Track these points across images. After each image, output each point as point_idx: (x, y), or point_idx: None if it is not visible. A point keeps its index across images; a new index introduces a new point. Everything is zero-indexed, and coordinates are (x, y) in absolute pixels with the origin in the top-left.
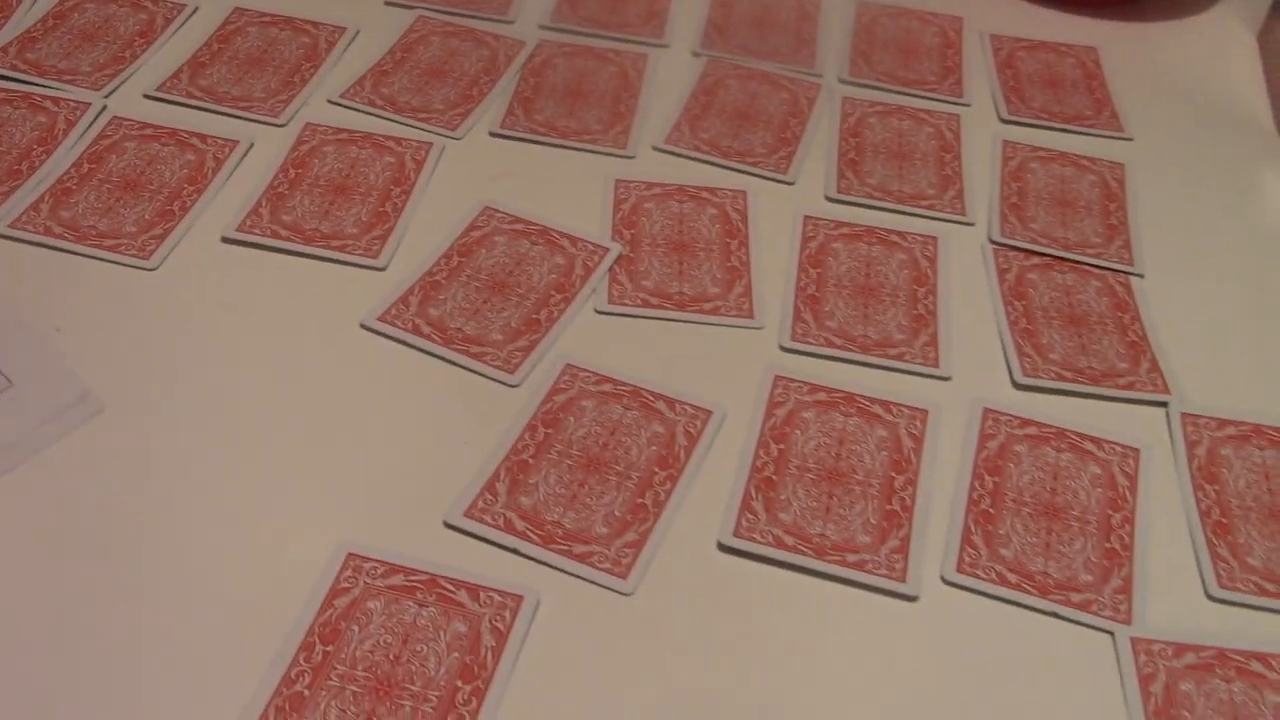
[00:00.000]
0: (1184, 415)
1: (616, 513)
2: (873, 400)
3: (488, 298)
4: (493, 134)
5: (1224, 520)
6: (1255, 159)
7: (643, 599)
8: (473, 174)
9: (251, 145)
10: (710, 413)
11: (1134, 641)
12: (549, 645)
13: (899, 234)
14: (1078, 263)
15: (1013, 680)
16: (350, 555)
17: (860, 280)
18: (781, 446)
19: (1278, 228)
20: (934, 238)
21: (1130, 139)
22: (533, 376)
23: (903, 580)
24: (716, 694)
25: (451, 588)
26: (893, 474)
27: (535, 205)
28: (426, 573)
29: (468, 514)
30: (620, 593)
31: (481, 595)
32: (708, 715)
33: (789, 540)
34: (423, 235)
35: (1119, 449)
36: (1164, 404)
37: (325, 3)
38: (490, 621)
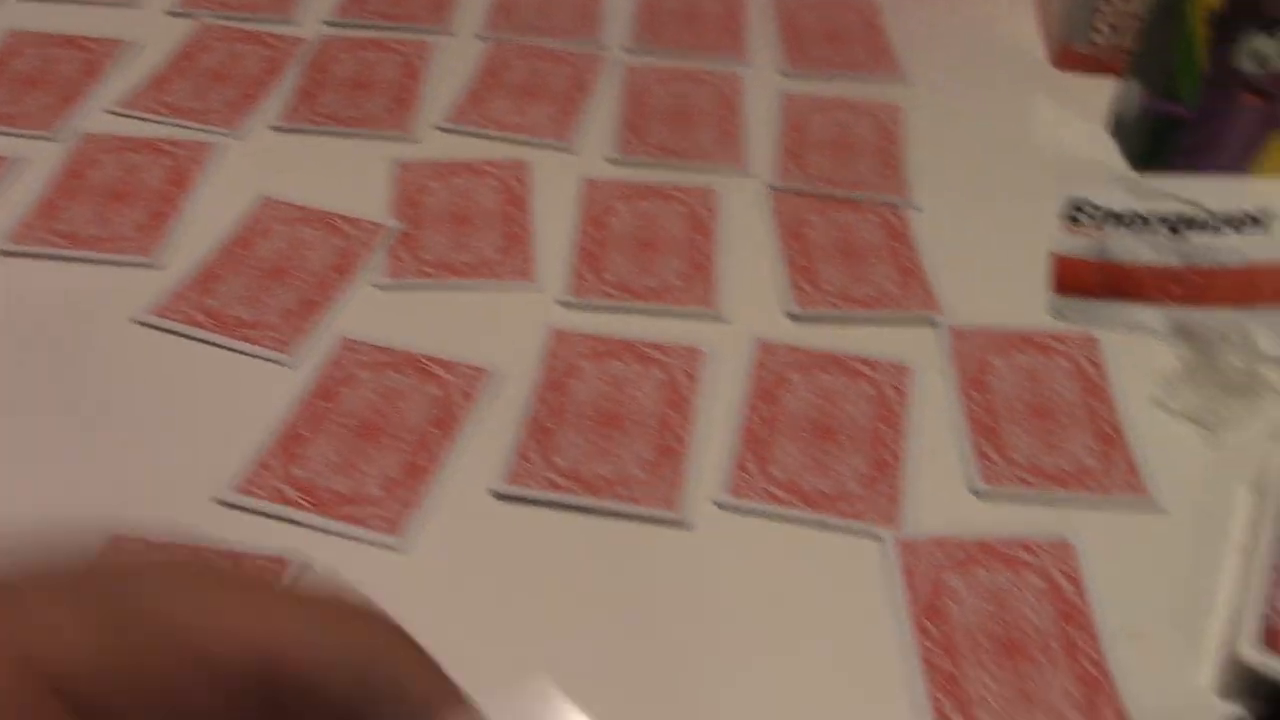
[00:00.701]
0: (952, 329)
1: (391, 474)
2: (648, 345)
3: (266, 284)
4: (274, 128)
5: (990, 423)
6: (1027, 88)
7: (418, 554)
8: (253, 169)
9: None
10: (486, 371)
11: (900, 543)
12: None
13: (679, 189)
14: (854, 200)
15: (787, 593)
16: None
17: (640, 235)
18: (559, 396)
19: (1047, 149)
20: (712, 190)
21: (906, 81)
22: (310, 355)
23: (675, 508)
24: (496, 636)
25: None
26: (668, 412)
27: (317, 194)
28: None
29: (238, 488)
30: (394, 549)
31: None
32: (486, 656)
33: (563, 482)
34: (202, 232)
35: (890, 368)
36: (933, 322)
37: (104, 18)
38: None
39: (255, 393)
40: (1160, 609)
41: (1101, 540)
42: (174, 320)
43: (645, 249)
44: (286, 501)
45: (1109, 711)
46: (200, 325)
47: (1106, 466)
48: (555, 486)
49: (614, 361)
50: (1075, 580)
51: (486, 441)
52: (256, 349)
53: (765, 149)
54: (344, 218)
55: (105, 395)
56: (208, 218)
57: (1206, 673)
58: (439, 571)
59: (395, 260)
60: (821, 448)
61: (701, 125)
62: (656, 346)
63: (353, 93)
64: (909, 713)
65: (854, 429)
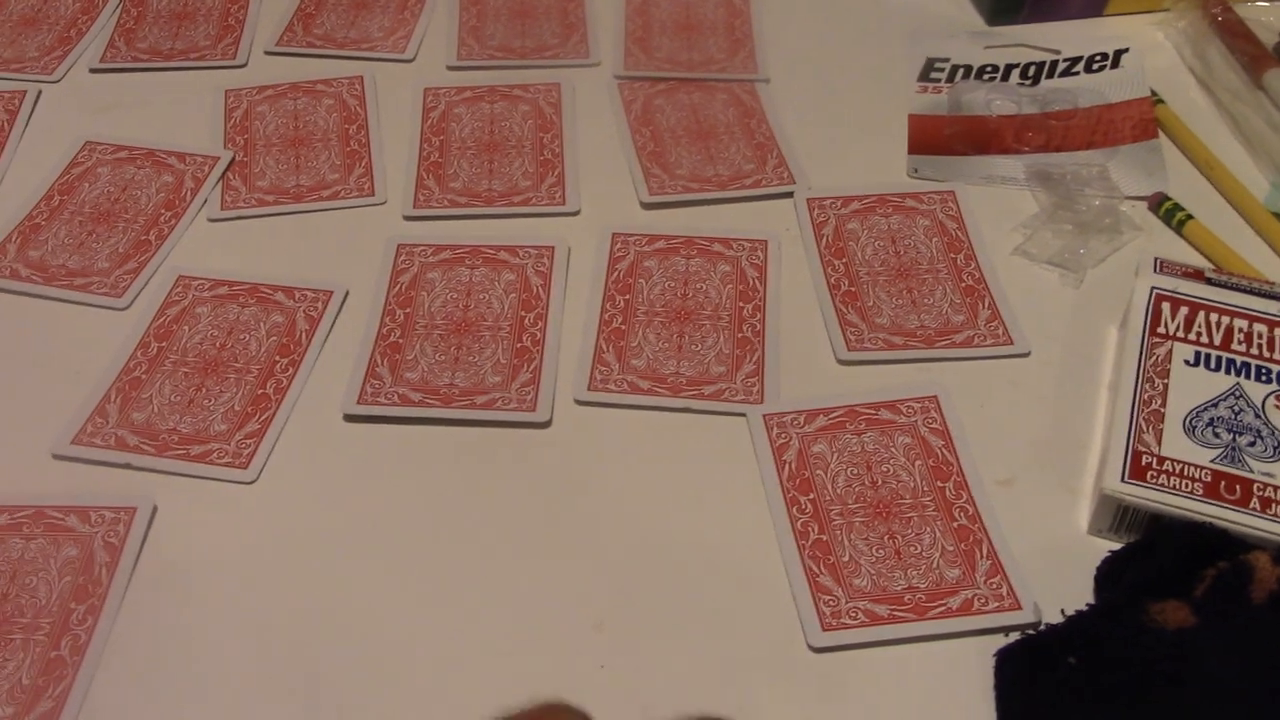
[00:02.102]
0: (809, 200)
1: (236, 407)
2: (498, 248)
3: (92, 229)
4: (93, 70)
5: (852, 289)
6: None
7: (267, 485)
8: (75, 114)
9: None
10: (330, 293)
11: (765, 418)
12: (173, 550)
13: (522, 88)
14: (703, 80)
15: (652, 480)
16: None
17: (484, 139)
18: (407, 310)
19: (892, 13)
20: (556, 85)
21: None
22: (144, 295)
23: (533, 410)
24: (351, 561)
25: (60, 515)
26: (523, 313)
27: (144, 132)
28: (33, 506)
29: (76, 440)
30: (242, 483)
31: (92, 515)
32: (343, 581)
33: (415, 397)
34: (21, 184)
35: (747, 244)
36: (790, 194)
37: None
38: (103, 539)
39: (89, 342)
40: (1031, 455)
41: (971, 393)
42: None
43: (491, 152)
44: (126, 448)
45: (985, 562)
46: (23, 279)
47: (971, 319)
48: (407, 401)
49: (462, 268)
50: (944, 434)
51: (336, 364)
52: (86, 295)
53: (610, 38)
54: (173, 153)
55: None
56: (26, 169)
57: (1082, 515)
58: (293, 500)
59: (230, 190)
60: (681, 332)
61: (543, 20)
62: (505, 248)
63: (175, 24)
64: (784, 585)
65: (714, 310)
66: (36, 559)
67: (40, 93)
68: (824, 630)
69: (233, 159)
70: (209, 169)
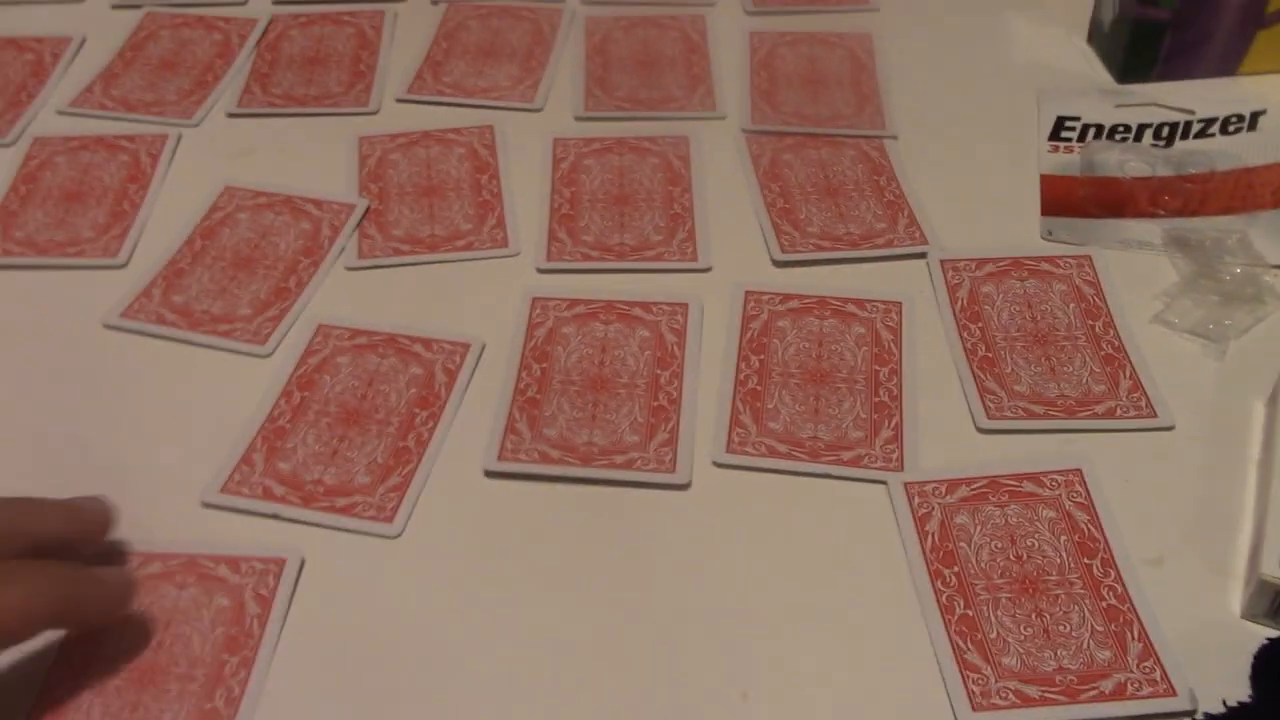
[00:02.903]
0: (943, 261)
1: (379, 460)
2: (631, 304)
3: (234, 275)
4: (230, 115)
5: (989, 355)
6: (1000, 4)
7: (411, 539)
8: (213, 158)
9: None
10: (468, 345)
11: (907, 486)
12: (319, 602)
13: (650, 140)
14: (831, 135)
15: (795, 548)
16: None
17: (614, 191)
18: (544, 365)
19: (1025, 67)
20: (685, 138)
21: (876, 9)
22: (286, 343)
23: (672, 471)
24: (500, 617)
25: (211, 564)
26: (658, 371)
27: (280, 177)
28: (185, 554)
29: (224, 489)
30: (387, 536)
31: (242, 566)
32: (492, 638)
33: (554, 454)
34: (164, 227)
35: (881, 306)
36: (923, 254)
37: (47, 15)
38: (253, 590)
39: (233, 388)
40: (1179, 533)
41: (1113, 466)
42: (143, 321)
43: (621, 205)
44: (274, 498)
45: (1136, 644)
46: (169, 324)
47: (1112, 389)
48: (547, 459)
49: (596, 324)
50: (1089, 509)
51: (474, 418)
52: (229, 342)
53: (735, 91)
54: (310, 200)
55: (79, 404)
56: (170, 212)
57: (1233, 597)
58: (436, 555)
59: (366, 239)
60: (817, 394)
61: (668, 72)
62: (639, 304)
63: (307, 70)
64: (930, 660)
65: (849, 372)
66: (189, 609)
67: (180, 136)
68: (974, 710)
69: (368, 207)
70: (345, 217)
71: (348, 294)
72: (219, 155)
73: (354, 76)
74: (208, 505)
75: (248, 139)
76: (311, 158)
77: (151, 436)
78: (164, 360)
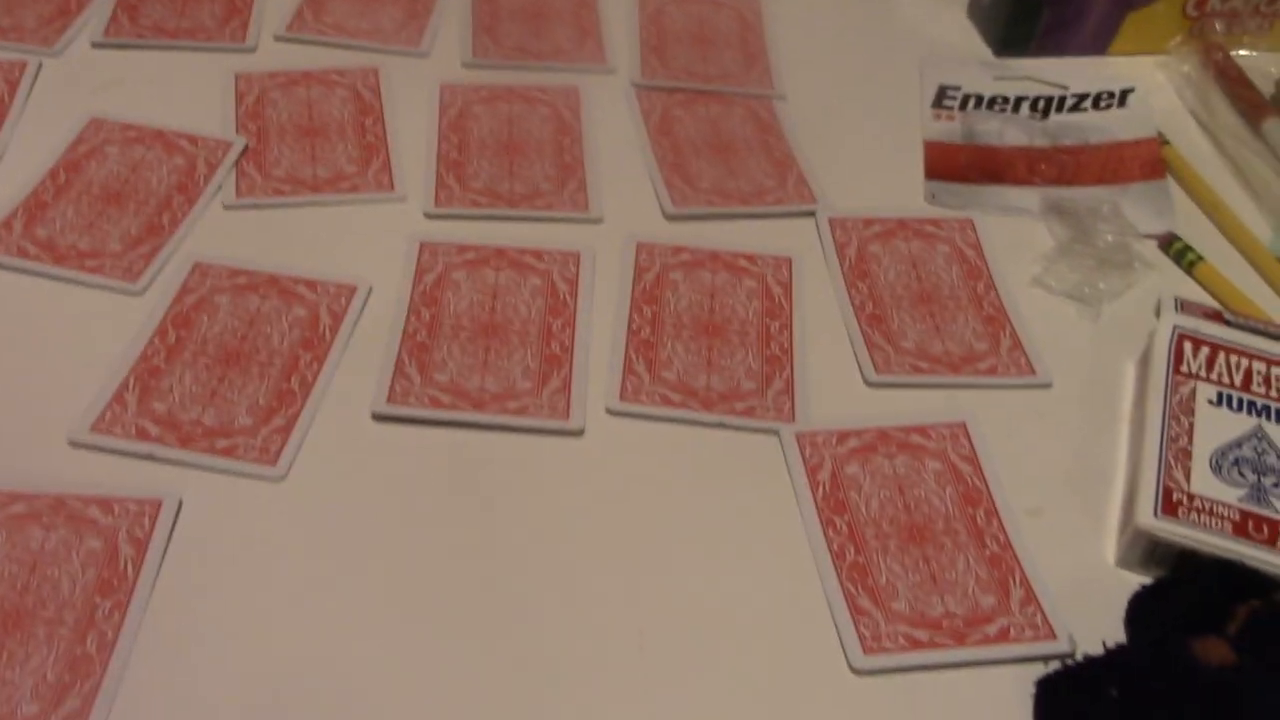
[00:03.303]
0: (831, 220)
1: (261, 401)
2: (523, 251)
3: (102, 210)
4: (96, 45)
5: (877, 312)
6: None
7: (296, 480)
8: (76, 89)
9: None
10: (354, 288)
11: (798, 436)
12: (199, 544)
13: (539, 89)
14: (720, 93)
15: (688, 493)
16: None
17: (504, 139)
18: (433, 311)
19: (903, 39)
20: (575, 89)
21: None
22: (159, 281)
23: (566, 418)
24: (385, 561)
25: (81, 505)
26: (550, 319)
27: (150, 111)
28: (52, 495)
29: (94, 428)
30: (270, 479)
31: (116, 507)
32: (375, 583)
33: (445, 399)
34: (24, 157)
35: (771, 261)
36: (812, 213)
37: None
38: (127, 531)
39: (103, 326)
40: (1057, 485)
41: (996, 420)
42: (2, 254)
43: (510, 153)
44: (148, 438)
45: (1018, 590)
46: (32, 258)
47: (994, 347)
48: (438, 404)
49: (487, 270)
50: (973, 461)
51: (361, 362)
52: (98, 279)
53: (625, 45)
54: (184, 135)
55: None
56: (30, 144)
57: (1108, 546)
58: (322, 499)
59: (244, 178)
60: (710, 346)
61: (557, 23)
62: (531, 252)
63: (179, 2)
64: (823, 606)
65: (741, 325)
66: (58, 550)
67: (41, 65)
68: (865, 653)
69: (246, 146)
70: (222, 154)
71: (226, 233)
72: (83, 86)
73: (229, 12)
74: (76, 445)
75: (114, 71)
76: (184, 93)
77: (14, 374)
78: (27, 296)
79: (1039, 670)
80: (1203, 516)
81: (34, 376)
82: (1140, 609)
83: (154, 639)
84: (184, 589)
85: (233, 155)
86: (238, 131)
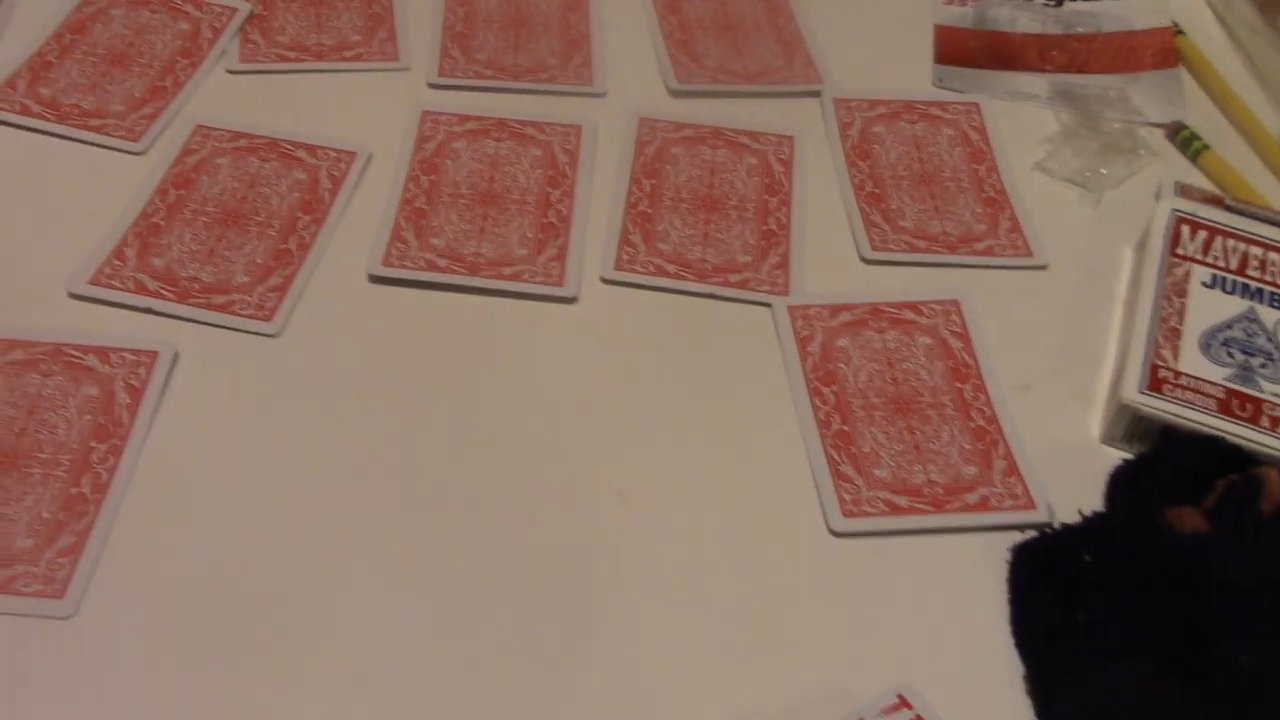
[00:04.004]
0: (836, 100)
1: (259, 260)
2: (524, 123)
3: (106, 70)
4: None
5: (877, 191)
6: None
7: (291, 338)
8: None
9: None
10: (354, 154)
11: (790, 309)
12: (193, 396)
13: None
14: None
15: (678, 362)
16: None
17: (511, 11)
18: (432, 178)
19: None
20: None
21: None
22: (161, 142)
23: (560, 284)
24: (370, 421)
25: (79, 354)
26: (549, 189)
27: None
28: (50, 343)
29: (93, 280)
30: (265, 335)
31: (113, 356)
32: (359, 441)
33: (441, 262)
34: (27, 17)
35: (773, 139)
36: (817, 93)
37: None
38: (124, 380)
39: (104, 184)
40: (1047, 363)
41: (990, 300)
42: (5, 110)
43: (517, 27)
44: (147, 292)
45: (1001, 461)
46: (35, 115)
47: (992, 229)
48: (434, 267)
49: (489, 140)
50: (964, 337)
51: (358, 226)
52: (100, 137)
53: None
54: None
55: None
56: (37, 5)
57: (1094, 423)
58: (315, 357)
59: (249, 44)
60: (708, 220)
61: None
62: (532, 123)
63: None
64: (806, 471)
65: (740, 201)
66: (55, 396)
67: None
68: (845, 516)
69: (251, 12)
70: (227, 20)
71: (229, 97)
72: None
73: None
74: (75, 296)
75: None
76: None
77: (15, 229)
78: (29, 154)
79: (1016, 538)
80: (1187, 394)
81: (35, 232)
82: (1120, 482)
83: (148, 483)
84: (179, 435)
85: (237, 20)
86: None
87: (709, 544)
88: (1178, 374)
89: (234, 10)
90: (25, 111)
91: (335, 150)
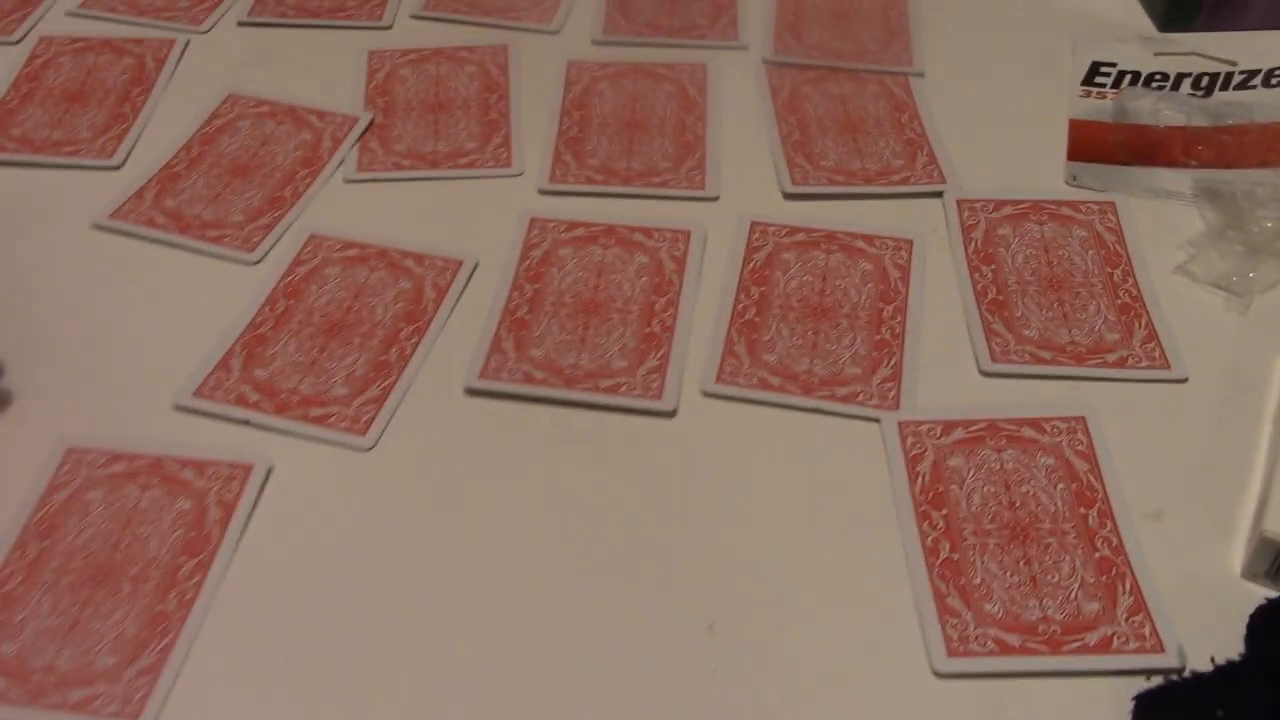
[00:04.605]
0: (959, 201)
1: (358, 372)
2: (632, 229)
3: (229, 182)
4: (241, 23)
5: (1000, 298)
6: None
7: (384, 453)
8: (220, 65)
9: None
10: (460, 262)
11: (900, 425)
12: (285, 512)
13: (666, 67)
14: (855, 70)
15: (779, 480)
16: (70, 450)
17: (625, 116)
18: (536, 286)
19: (1057, 13)
20: (702, 65)
21: None
22: (275, 252)
23: (659, 398)
24: (462, 541)
25: (177, 467)
26: (654, 298)
27: (286, 88)
28: (152, 455)
29: (198, 393)
30: (359, 449)
31: (208, 470)
32: (452, 562)
33: (539, 375)
34: (163, 131)
35: (890, 242)
36: (939, 194)
37: None
38: (217, 495)
39: (218, 294)
40: (1183, 487)
41: (1122, 417)
42: (132, 222)
43: (631, 130)
44: (247, 404)
45: (1127, 598)
46: (159, 227)
47: (1126, 338)
48: (530, 379)
49: (594, 247)
50: (1090, 458)
51: (460, 336)
52: (217, 248)
53: (760, 21)
54: (313, 111)
55: (65, 301)
56: (170, 118)
57: (1235, 555)
58: (409, 472)
59: (367, 153)
60: (817, 329)
61: (691, 0)
62: (641, 230)
63: None
64: (909, 604)
65: (852, 308)
66: (149, 510)
67: (189, 43)
68: (950, 655)
69: (372, 121)
70: (348, 129)
71: (344, 207)
72: (225, 64)
73: None
74: (180, 409)
75: (257, 49)
76: (320, 71)
77: (132, 339)
78: (151, 264)
79: (1141, 685)
80: None
81: (149, 342)
82: (1263, 625)
83: (234, 600)
84: (268, 550)
85: (358, 130)
86: (366, 108)
87: (801, 680)
88: None
89: (355, 120)
90: (150, 223)
91: (442, 259)
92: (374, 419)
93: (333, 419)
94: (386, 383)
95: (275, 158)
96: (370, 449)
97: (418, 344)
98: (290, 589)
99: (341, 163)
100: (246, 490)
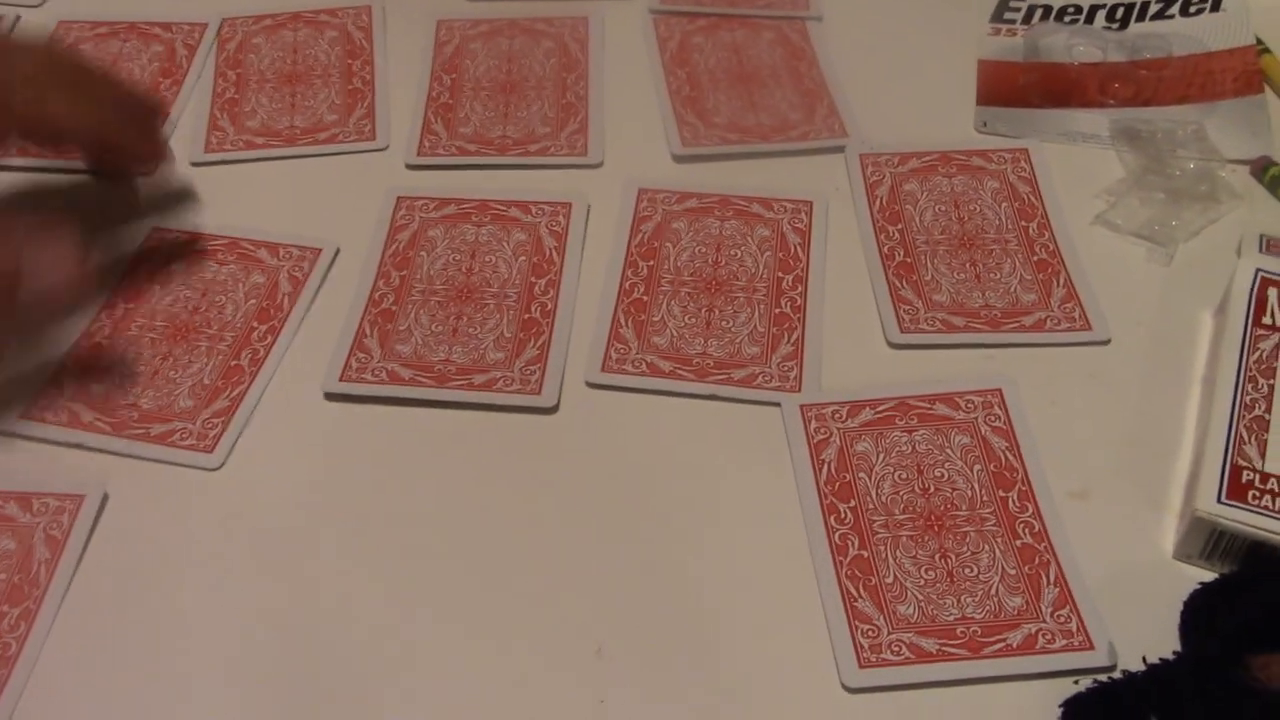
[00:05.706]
0: (862, 156)
1: (206, 381)
2: (509, 204)
3: None
4: None
5: (908, 260)
6: None
7: (233, 471)
8: None
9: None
10: (319, 251)
11: (803, 409)
12: (120, 542)
13: (546, 21)
14: (748, 16)
15: (672, 478)
16: None
17: (501, 78)
18: (403, 273)
19: None
20: (584, 19)
21: None
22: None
23: (537, 393)
24: (321, 556)
25: (0, 502)
26: (533, 279)
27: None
28: None
29: (24, 416)
30: (205, 469)
31: (35, 504)
32: (309, 580)
33: (405, 374)
34: None
35: (789, 205)
36: (841, 149)
37: None
38: (45, 531)
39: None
40: (1109, 461)
41: (1041, 386)
42: None
43: (508, 93)
44: (80, 426)
45: (1052, 589)
46: None
47: (1044, 298)
48: (396, 379)
49: (467, 226)
50: (1008, 434)
51: (320, 333)
52: None
53: None
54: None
55: None
56: None
57: (1166, 534)
58: (263, 492)
59: (215, 131)
60: (711, 305)
61: None
62: (517, 204)
63: None
64: (817, 609)
65: (749, 280)
66: None
67: (18, 18)
68: (861, 668)
69: (220, 95)
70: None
71: (189, 194)
72: None
73: None
74: (5, 434)
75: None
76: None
77: None
78: None
79: (1069, 688)
80: (1278, 502)
81: None
82: (1198, 613)
83: (69, 643)
84: (102, 590)
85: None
86: (216, 79)
87: (699, 703)
88: (1265, 477)
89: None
90: None
91: (299, 248)
92: (222, 434)
93: (175, 436)
94: (237, 391)
95: None
96: (217, 469)
97: (271, 345)
98: (131, 628)
99: (187, 142)
100: (77, 524)
